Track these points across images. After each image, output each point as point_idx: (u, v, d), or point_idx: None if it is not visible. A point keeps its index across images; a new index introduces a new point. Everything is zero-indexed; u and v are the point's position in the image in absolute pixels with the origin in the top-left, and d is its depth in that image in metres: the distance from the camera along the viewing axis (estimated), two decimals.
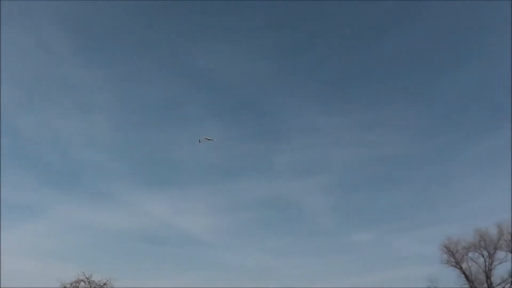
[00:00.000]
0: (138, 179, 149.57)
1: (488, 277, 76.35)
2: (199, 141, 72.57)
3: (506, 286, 75.29)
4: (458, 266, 78.23)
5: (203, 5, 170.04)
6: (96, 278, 65.60)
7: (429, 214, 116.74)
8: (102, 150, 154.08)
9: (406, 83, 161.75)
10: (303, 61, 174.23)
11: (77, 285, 64.41)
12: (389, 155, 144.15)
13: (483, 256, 77.47)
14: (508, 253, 76.15)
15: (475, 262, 78.00)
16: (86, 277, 65.19)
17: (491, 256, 76.97)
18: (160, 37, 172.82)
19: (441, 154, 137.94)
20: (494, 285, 75.93)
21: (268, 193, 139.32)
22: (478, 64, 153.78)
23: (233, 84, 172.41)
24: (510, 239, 75.99)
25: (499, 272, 76.76)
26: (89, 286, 65.18)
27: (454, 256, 78.47)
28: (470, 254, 78.34)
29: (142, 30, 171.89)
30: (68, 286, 63.78)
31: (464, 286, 77.39)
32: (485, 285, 76.40)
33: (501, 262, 76.55)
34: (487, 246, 77.09)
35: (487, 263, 77.16)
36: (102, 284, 65.59)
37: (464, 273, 77.75)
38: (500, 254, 76.40)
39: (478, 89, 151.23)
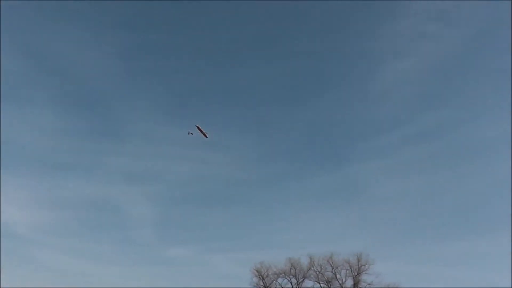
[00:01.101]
0: None
1: None
2: (188, 133, 67.96)
3: None
4: None
5: None
6: None
7: (250, 237, 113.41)
8: None
9: (252, 110, 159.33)
10: (158, 69, 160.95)
11: None
12: (222, 176, 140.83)
13: (291, 283, 76.35)
14: (316, 282, 75.91)
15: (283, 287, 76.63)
16: None
17: (299, 283, 76.27)
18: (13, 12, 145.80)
19: (271, 184, 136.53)
20: None
21: (95, 194, 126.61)
22: (324, 103, 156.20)
23: (82, 75, 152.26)
24: (319, 270, 75.62)
25: None
26: None
27: (263, 280, 76.13)
28: (280, 280, 77.13)
29: None
30: None
31: None
32: None
33: None
34: (297, 274, 76.36)
35: None
36: None
37: None
38: (308, 283, 76.39)
39: (319, 128, 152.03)
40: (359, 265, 73.81)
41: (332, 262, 75.12)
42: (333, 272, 74.88)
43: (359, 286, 73.74)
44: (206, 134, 68.08)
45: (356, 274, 73.80)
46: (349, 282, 74.42)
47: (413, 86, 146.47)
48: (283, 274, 76.24)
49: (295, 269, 75.71)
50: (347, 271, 74.39)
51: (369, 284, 73.11)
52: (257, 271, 76.17)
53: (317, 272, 75.53)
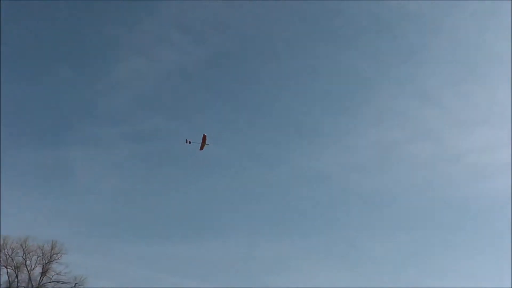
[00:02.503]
0: None
1: None
2: (186, 141, 57.60)
3: None
4: None
5: None
6: None
7: None
8: None
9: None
10: None
11: None
12: None
13: None
14: (4, 267, 74.44)
15: None
16: None
17: None
18: None
19: None
20: None
21: None
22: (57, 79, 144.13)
23: None
24: (10, 253, 75.12)
25: None
26: None
27: None
28: None
29: None
30: None
31: None
32: None
33: None
34: None
35: None
36: None
37: None
38: None
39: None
40: (52, 253, 75.70)
41: (26, 247, 74.78)
42: (24, 257, 74.53)
43: (47, 274, 75.87)
44: (204, 145, 58.58)
45: (46, 262, 75.14)
46: (38, 270, 75.42)
47: (143, 88, 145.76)
48: None
49: None
50: (39, 258, 74.67)
51: (57, 273, 75.76)
52: None
53: (7, 256, 74.80)
